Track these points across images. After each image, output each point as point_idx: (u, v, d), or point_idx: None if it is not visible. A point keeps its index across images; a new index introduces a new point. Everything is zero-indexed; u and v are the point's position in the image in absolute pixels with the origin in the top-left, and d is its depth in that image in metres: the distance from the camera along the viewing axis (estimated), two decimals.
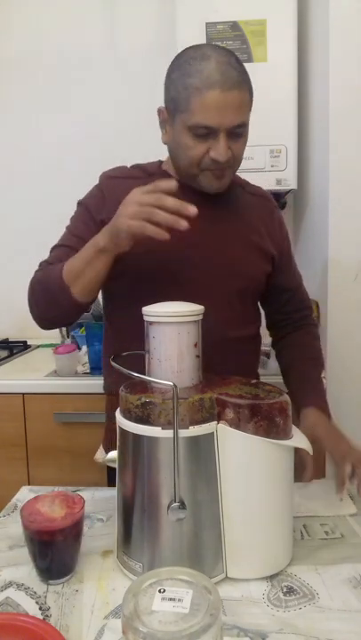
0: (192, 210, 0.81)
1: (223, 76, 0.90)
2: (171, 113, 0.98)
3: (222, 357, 0.92)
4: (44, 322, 1.03)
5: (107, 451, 1.11)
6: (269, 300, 1.18)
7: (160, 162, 1.10)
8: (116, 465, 0.79)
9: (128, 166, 1.10)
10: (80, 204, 1.09)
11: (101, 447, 1.20)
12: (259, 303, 1.16)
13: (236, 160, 0.99)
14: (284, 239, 1.16)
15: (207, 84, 0.90)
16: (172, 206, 0.81)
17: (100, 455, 1.17)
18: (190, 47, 0.96)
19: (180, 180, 1.02)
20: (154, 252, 0.98)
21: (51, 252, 1.07)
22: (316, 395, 1.07)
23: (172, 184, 0.84)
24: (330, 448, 0.96)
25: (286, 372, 1.16)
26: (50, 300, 0.98)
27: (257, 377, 1.16)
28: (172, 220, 0.81)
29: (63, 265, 0.95)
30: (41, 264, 1.05)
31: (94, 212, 1.04)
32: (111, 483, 1.11)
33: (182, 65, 0.94)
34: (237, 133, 0.95)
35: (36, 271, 1.04)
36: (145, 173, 1.07)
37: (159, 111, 1.02)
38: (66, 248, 1.03)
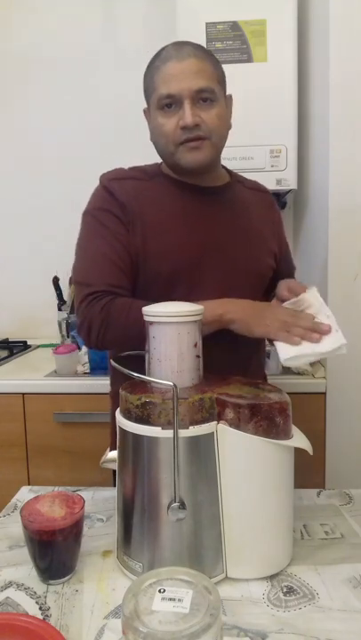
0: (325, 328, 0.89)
1: (178, 51, 0.97)
2: (148, 105, 1.03)
3: (231, 357, 0.91)
4: (105, 348, 1.05)
5: None
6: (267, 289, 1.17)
7: (158, 164, 1.09)
8: (113, 466, 0.79)
9: (126, 168, 1.08)
10: (92, 212, 1.03)
11: (108, 451, 1.19)
12: None
13: (211, 131, 0.97)
14: (283, 233, 1.19)
15: (164, 60, 0.98)
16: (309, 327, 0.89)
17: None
18: None
19: (184, 181, 1.03)
20: (169, 256, 0.98)
21: (80, 270, 1.00)
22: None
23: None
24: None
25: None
26: (136, 341, 0.88)
27: (264, 377, 1.16)
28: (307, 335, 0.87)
29: None
30: (94, 289, 0.96)
31: (121, 215, 0.99)
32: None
33: (150, 63, 1.02)
34: (205, 100, 0.96)
35: (110, 301, 0.94)
36: (146, 175, 1.06)
37: (144, 112, 1.05)
38: (111, 264, 0.98)
